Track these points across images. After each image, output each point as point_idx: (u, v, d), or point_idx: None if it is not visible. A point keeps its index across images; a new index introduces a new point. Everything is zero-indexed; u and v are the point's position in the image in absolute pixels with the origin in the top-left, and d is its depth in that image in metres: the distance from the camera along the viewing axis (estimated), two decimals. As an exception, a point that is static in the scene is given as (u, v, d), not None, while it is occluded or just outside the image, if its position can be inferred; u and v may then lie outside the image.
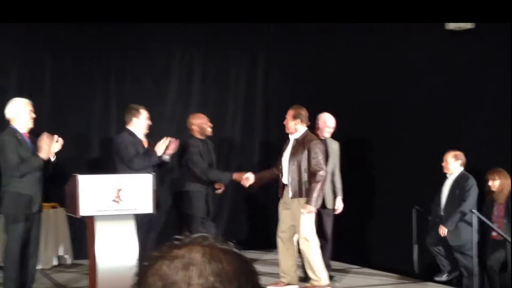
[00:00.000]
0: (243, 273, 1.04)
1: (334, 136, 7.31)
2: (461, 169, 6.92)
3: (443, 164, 6.94)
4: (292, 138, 6.75)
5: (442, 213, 6.93)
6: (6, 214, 6.18)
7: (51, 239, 7.80)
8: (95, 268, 5.74)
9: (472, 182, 6.78)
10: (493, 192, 6.78)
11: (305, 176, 6.57)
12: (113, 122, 8.53)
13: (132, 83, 8.58)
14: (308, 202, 6.52)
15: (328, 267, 7.35)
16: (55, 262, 7.95)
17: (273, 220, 7.11)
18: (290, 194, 6.62)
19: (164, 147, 6.68)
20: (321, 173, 6.55)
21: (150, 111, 6.91)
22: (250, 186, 7.12)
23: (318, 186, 6.53)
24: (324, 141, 7.27)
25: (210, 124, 7.30)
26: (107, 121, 8.54)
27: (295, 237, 6.73)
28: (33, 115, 6.22)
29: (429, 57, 7.42)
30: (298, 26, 8.61)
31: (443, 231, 6.72)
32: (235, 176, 7.16)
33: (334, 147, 7.36)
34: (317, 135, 7.19)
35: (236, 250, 1.07)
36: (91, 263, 5.92)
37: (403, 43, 7.72)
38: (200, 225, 7.13)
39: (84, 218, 5.86)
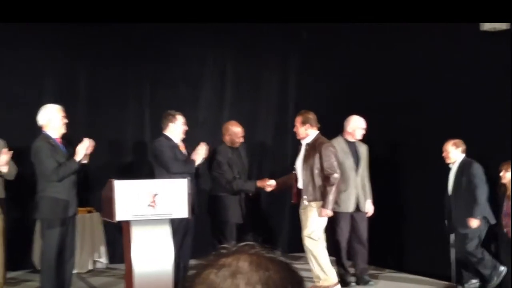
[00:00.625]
0: (289, 281, 1.04)
1: (364, 138, 7.29)
2: (463, 155, 6.86)
3: (444, 154, 6.90)
4: (304, 143, 6.79)
5: (450, 203, 6.87)
6: (42, 219, 6.26)
7: (87, 243, 7.88)
8: (132, 273, 5.78)
9: (476, 166, 6.70)
10: (503, 184, 6.66)
11: (319, 180, 6.60)
12: (146, 127, 8.58)
13: (165, 89, 8.62)
14: (324, 205, 6.55)
15: (364, 271, 7.33)
16: (90, 266, 8.02)
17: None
18: (305, 199, 6.64)
19: (203, 156, 6.71)
20: (335, 175, 6.56)
21: (183, 116, 6.95)
22: (272, 191, 7.19)
23: (333, 189, 6.54)
24: (353, 144, 7.26)
25: (240, 136, 7.29)
26: (141, 127, 8.60)
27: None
28: (65, 121, 6.29)
29: (460, 58, 7.33)
30: (330, 30, 8.60)
31: (472, 223, 6.63)
32: (259, 183, 7.19)
33: (363, 149, 7.33)
34: (347, 138, 7.20)
35: (282, 259, 1.08)
36: (127, 268, 5.97)
37: (433, 44, 7.65)
38: (234, 231, 7.15)
39: (120, 223, 5.90)
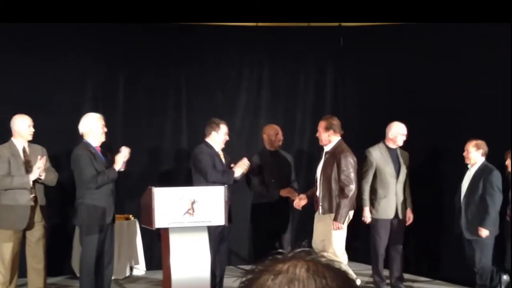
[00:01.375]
0: None
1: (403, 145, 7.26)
2: (483, 158, 6.76)
3: (464, 154, 6.80)
4: (325, 150, 6.56)
5: (461, 205, 6.79)
6: (81, 225, 6.36)
7: (124, 250, 7.96)
8: (170, 279, 5.84)
9: (496, 173, 6.61)
10: (509, 173, 6.62)
11: (336, 190, 6.37)
12: (183, 134, 8.65)
13: (202, 96, 8.68)
14: (335, 218, 6.31)
15: (400, 279, 7.28)
16: (128, 272, 8.11)
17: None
18: (321, 210, 6.44)
19: (243, 170, 6.73)
20: (350, 187, 6.33)
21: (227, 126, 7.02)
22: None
23: (346, 201, 6.30)
24: (394, 151, 7.22)
25: (279, 136, 7.34)
26: (178, 134, 8.66)
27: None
28: (105, 129, 6.40)
29: (503, 62, 7.26)
30: (367, 35, 8.59)
31: (483, 232, 6.56)
32: (283, 192, 7.16)
33: (405, 156, 7.29)
34: (388, 145, 7.17)
35: (338, 266, 1.07)
36: (165, 274, 6.03)
37: (472, 48, 7.61)
38: (268, 238, 7.17)
39: (159, 230, 5.97)
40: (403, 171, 7.23)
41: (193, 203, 5.83)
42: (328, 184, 6.38)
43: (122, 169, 6.37)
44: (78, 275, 7.63)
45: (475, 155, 6.75)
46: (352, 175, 6.37)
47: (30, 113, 6.59)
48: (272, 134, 7.35)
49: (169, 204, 5.78)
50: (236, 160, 6.87)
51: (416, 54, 8.33)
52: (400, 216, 7.16)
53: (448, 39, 7.84)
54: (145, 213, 6.06)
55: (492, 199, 6.58)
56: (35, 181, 6.29)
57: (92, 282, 6.33)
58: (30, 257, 6.42)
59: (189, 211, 5.82)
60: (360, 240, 8.07)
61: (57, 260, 7.54)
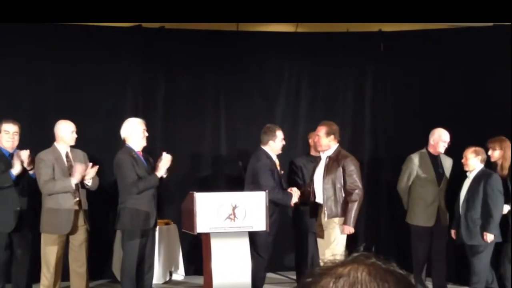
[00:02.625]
0: None
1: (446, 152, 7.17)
2: (482, 166, 6.68)
3: (463, 161, 6.73)
4: (325, 155, 6.47)
5: (460, 213, 6.70)
6: (123, 230, 6.41)
7: (164, 255, 7.99)
8: (211, 284, 5.84)
9: (495, 177, 6.55)
10: (493, 163, 6.59)
11: (341, 195, 6.30)
12: (222, 139, 8.67)
13: (241, 102, 8.69)
14: (345, 222, 6.24)
15: (443, 288, 7.19)
16: (167, 278, 8.13)
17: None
18: (326, 215, 6.31)
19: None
20: (357, 191, 6.28)
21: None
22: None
23: (355, 205, 6.25)
24: (437, 157, 7.15)
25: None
26: (217, 139, 8.68)
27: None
28: (146, 134, 6.45)
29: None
30: (407, 40, 8.52)
31: (488, 237, 6.48)
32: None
33: (448, 163, 7.21)
34: (430, 151, 7.10)
35: (399, 271, 1.06)
36: (206, 280, 6.03)
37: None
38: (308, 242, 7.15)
39: (200, 235, 5.98)
40: (445, 178, 7.15)
41: (234, 208, 5.84)
42: (333, 189, 6.30)
43: (164, 176, 6.41)
44: (119, 279, 7.70)
45: (474, 161, 6.69)
46: (358, 179, 6.34)
47: (72, 118, 6.66)
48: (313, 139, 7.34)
49: (211, 209, 5.79)
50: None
51: (457, 59, 8.24)
52: (442, 223, 7.07)
53: (487, 44, 7.73)
54: (186, 218, 6.08)
55: (494, 203, 6.53)
56: (79, 186, 6.35)
57: (134, 287, 6.37)
58: (73, 260, 6.49)
59: (230, 216, 5.83)
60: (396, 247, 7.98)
61: (98, 264, 7.59)
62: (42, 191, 6.31)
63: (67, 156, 6.47)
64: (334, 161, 6.37)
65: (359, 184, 6.32)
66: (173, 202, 7.82)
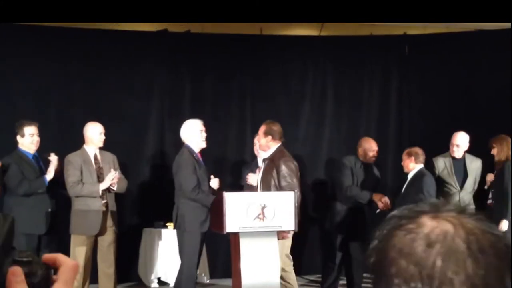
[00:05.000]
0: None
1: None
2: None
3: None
4: (263, 157, 6.28)
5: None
6: (183, 232, 6.29)
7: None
8: (240, 284, 5.83)
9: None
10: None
11: None
12: (248, 142, 8.67)
13: (266, 104, 8.70)
14: None
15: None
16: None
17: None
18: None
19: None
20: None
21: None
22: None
23: None
24: (460, 160, 7.11)
25: (373, 151, 7.28)
26: (242, 142, 8.70)
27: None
28: (205, 135, 6.43)
29: None
30: (432, 43, 8.50)
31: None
32: (375, 197, 7.08)
33: (474, 165, 7.17)
34: (453, 154, 7.08)
35: (496, 232, 0.92)
36: (235, 280, 6.02)
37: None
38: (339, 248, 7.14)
39: (228, 235, 5.98)
40: (470, 180, 7.11)
41: (263, 208, 5.83)
42: (268, 191, 6.04)
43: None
44: (145, 282, 7.73)
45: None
46: (295, 181, 6.02)
47: (99, 121, 6.71)
48: (368, 148, 7.30)
49: (240, 209, 5.79)
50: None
51: (481, 61, 8.21)
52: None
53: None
54: (215, 218, 6.08)
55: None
56: (106, 189, 6.39)
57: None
58: (101, 261, 6.52)
59: (259, 216, 5.82)
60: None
61: (124, 267, 7.61)
62: (69, 193, 6.35)
63: (95, 158, 6.51)
64: (270, 163, 6.11)
65: (295, 187, 5.99)
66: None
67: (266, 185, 6.10)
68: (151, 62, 8.32)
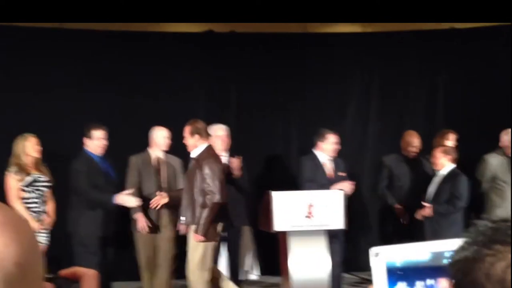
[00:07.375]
0: None
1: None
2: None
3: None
4: (191, 156, 6.06)
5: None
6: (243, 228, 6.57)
7: (239, 254, 8.05)
8: (289, 283, 5.89)
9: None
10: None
11: (199, 200, 5.83)
12: (293, 141, 8.73)
13: (312, 103, 8.71)
14: (196, 230, 5.78)
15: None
16: (243, 277, 8.20)
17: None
18: (182, 221, 6.01)
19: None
20: (209, 197, 5.77)
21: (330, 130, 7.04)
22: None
23: (206, 212, 5.73)
24: (509, 158, 7.04)
25: (413, 146, 7.34)
26: (288, 141, 8.74)
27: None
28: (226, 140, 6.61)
29: None
30: (481, 38, 8.36)
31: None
32: (396, 209, 7.24)
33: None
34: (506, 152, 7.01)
35: None
36: (284, 279, 6.09)
37: None
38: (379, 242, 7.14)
39: (277, 234, 6.05)
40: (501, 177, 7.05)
41: (311, 206, 5.88)
42: (191, 194, 5.88)
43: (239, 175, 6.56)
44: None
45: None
46: (216, 183, 5.80)
47: (149, 124, 6.84)
48: (408, 143, 7.36)
49: (288, 208, 5.85)
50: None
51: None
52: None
53: None
54: (263, 217, 6.16)
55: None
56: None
57: None
58: (159, 259, 6.62)
59: (307, 215, 5.87)
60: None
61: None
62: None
63: (157, 160, 6.64)
64: (195, 164, 5.93)
65: (214, 188, 5.78)
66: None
67: (188, 187, 5.94)
68: (197, 64, 8.43)
